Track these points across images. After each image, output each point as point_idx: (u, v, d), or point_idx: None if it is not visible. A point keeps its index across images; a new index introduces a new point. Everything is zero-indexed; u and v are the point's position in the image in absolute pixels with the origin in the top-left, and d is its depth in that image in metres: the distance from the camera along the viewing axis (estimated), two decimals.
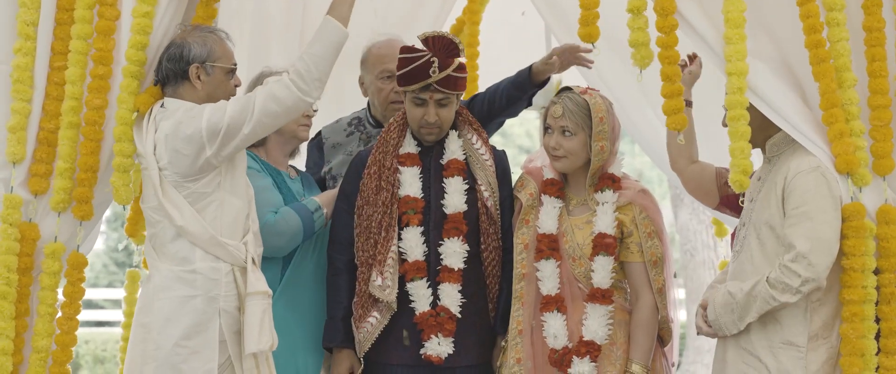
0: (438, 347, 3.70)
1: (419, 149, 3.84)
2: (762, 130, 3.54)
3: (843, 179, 3.44)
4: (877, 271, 3.43)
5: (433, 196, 3.79)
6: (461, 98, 3.91)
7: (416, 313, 3.72)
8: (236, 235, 3.54)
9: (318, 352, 3.86)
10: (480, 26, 5.17)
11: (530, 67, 3.97)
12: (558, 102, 3.72)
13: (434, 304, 3.73)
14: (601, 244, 3.68)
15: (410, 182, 3.78)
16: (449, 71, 3.70)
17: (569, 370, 3.64)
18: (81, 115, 3.62)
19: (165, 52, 3.59)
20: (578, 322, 3.68)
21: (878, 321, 3.43)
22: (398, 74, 3.77)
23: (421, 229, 3.75)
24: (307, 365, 3.84)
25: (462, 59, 3.74)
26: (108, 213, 3.98)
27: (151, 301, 3.51)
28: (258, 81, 3.90)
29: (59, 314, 3.64)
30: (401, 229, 3.76)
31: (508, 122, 4.23)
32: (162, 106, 3.57)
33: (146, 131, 3.55)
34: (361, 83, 4.32)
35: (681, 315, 9.44)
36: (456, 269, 3.73)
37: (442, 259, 3.74)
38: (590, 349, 3.63)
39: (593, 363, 3.63)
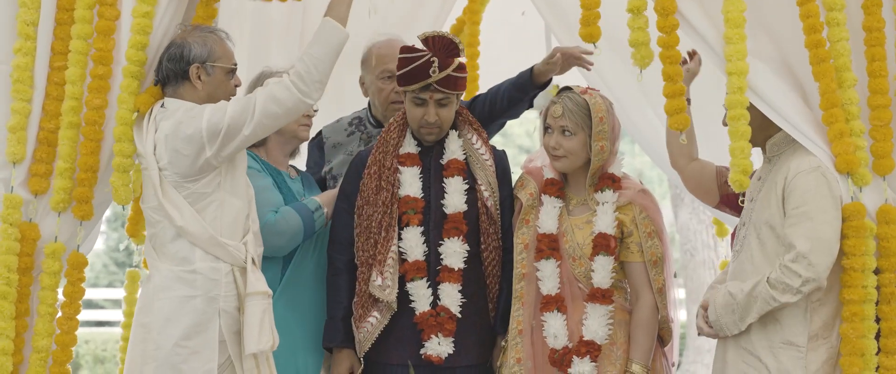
0: (438, 347, 3.70)
1: (419, 149, 3.84)
2: (762, 130, 3.54)
3: (844, 178, 3.44)
4: (877, 271, 3.43)
5: (433, 196, 3.79)
6: (461, 98, 3.91)
7: (417, 313, 3.72)
8: (236, 235, 3.54)
9: (318, 352, 3.86)
10: (480, 26, 5.17)
11: (531, 69, 3.97)
12: (558, 101, 3.72)
13: (434, 304, 3.73)
14: (601, 244, 3.68)
15: (410, 182, 3.78)
16: (449, 71, 3.70)
17: (569, 370, 3.64)
18: (81, 115, 3.61)
19: (166, 52, 3.59)
20: (578, 322, 3.68)
21: (878, 320, 3.43)
22: (398, 73, 3.77)
23: (421, 228, 3.75)
24: (307, 365, 3.84)
25: (462, 59, 3.75)
26: (108, 213, 3.98)
27: (151, 301, 3.51)
28: (258, 81, 3.90)
29: (59, 314, 3.64)
30: (401, 228, 3.76)
31: (508, 122, 4.23)
32: (162, 106, 3.57)
33: (146, 131, 3.55)
34: (362, 83, 4.32)
35: (681, 315, 9.43)
36: (456, 269, 3.73)
37: (442, 259, 3.75)
38: (590, 349, 3.63)
39: (593, 363, 3.63)
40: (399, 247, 3.75)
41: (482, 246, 3.80)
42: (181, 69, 3.55)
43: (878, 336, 3.42)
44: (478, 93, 4.37)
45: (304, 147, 4.23)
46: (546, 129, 3.75)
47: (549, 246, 3.71)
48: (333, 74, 3.56)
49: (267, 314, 3.51)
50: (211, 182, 3.51)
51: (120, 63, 3.64)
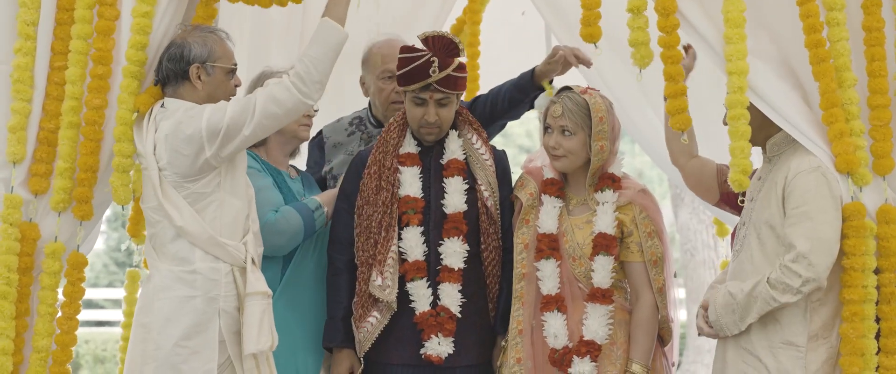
0: (438, 347, 3.70)
1: (419, 149, 3.84)
2: (763, 130, 3.54)
3: (844, 178, 3.44)
4: (877, 271, 3.43)
5: (433, 196, 3.79)
6: (461, 98, 3.91)
7: (416, 313, 3.72)
8: (236, 235, 3.54)
9: (318, 352, 3.86)
10: (480, 26, 5.17)
11: (533, 70, 3.97)
12: (558, 101, 3.72)
13: (434, 304, 3.73)
14: (601, 244, 3.68)
15: (410, 182, 3.78)
16: (449, 71, 3.70)
17: (569, 370, 3.64)
18: (81, 115, 3.61)
19: (166, 52, 3.58)
20: (579, 322, 3.68)
21: (878, 320, 3.43)
22: (398, 73, 3.77)
23: (421, 228, 3.75)
24: (307, 365, 3.84)
25: (462, 59, 3.75)
26: (108, 213, 3.98)
27: (151, 301, 3.51)
28: (258, 81, 3.90)
29: (60, 314, 3.64)
30: (401, 228, 3.76)
31: (508, 122, 4.24)
32: (162, 106, 3.57)
33: (146, 131, 3.55)
34: (362, 83, 4.32)
35: (681, 315, 9.44)
36: (456, 269, 3.73)
37: (442, 259, 3.75)
38: (590, 349, 3.63)
39: (593, 363, 3.63)
40: (399, 247, 3.75)
41: (482, 246, 3.80)
42: (181, 69, 3.55)
43: (878, 336, 3.42)
44: (479, 93, 4.37)
45: (304, 147, 4.23)
46: (546, 128, 3.75)
47: (549, 246, 3.71)
48: (333, 73, 3.56)
49: (266, 315, 3.51)
50: (210, 182, 3.51)
51: (120, 63, 3.64)
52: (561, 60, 3.92)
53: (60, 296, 3.65)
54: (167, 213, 3.49)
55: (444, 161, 3.82)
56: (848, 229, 3.38)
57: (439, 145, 3.85)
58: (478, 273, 3.80)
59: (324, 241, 3.90)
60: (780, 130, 3.52)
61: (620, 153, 3.84)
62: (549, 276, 3.70)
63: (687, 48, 3.91)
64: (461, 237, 3.74)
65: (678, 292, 5.17)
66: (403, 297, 3.74)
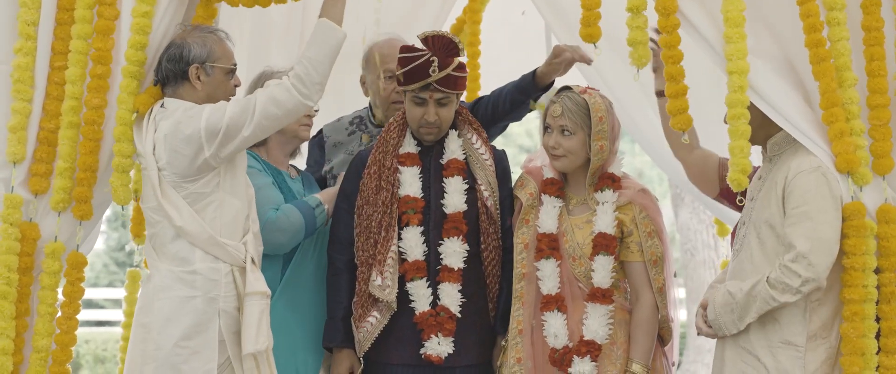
0: (438, 346, 3.70)
1: (419, 149, 3.84)
2: (763, 129, 3.54)
3: (844, 178, 3.44)
4: (877, 271, 3.43)
5: (433, 196, 3.79)
6: (461, 98, 3.91)
7: (416, 312, 3.72)
8: (235, 235, 3.54)
9: (318, 352, 3.86)
10: (481, 26, 5.17)
11: (534, 72, 3.97)
12: (557, 101, 3.72)
13: (434, 304, 3.73)
14: (601, 244, 3.68)
15: (410, 182, 3.79)
16: (449, 70, 3.71)
17: (569, 370, 3.64)
18: (81, 115, 3.62)
19: (165, 52, 3.59)
20: (579, 322, 3.68)
21: (878, 320, 3.43)
22: (398, 73, 3.77)
23: (421, 228, 3.75)
24: (307, 365, 3.84)
25: (462, 59, 3.75)
26: (108, 213, 3.98)
27: (151, 301, 3.52)
28: (259, 81, 3.90)
29: (59, 314, 3.64)
30: (401, 228, 3.76)
31: None
32: (162, 106, 3.57)
33: (146, 131, 3.55)
34: (363, 83, 4.32)
35: (681, 315, 9.44)
36: (456, 269, 3.73)
37: (442, 259, 3.75)
38: (590, 349, 3.63)
39: (594, 363, 3.63)
40: (399, 247, 3.75)
41: (482, 246, 3.80)
42: (181, 69, 3.55)
43: (878, 336, 3.42)
44: (481, 95, 4.37)
45: (304, 147, 4.23)
46: (545, 128, 3.75)
47: (549, 246, 3.71)
48: (333, 73, 3.56)
49: (264, 315, 3.51)
50: (210, 182, 3.51)
51: (120, 63, 3.64)
52: (565, 61, 3.90)
53: (60, 296, 3.65)
54: (167, 213, 3.49)
55: (443, 161, 3.82)
56: (848, 229, 3.38)
57: (439, 145, 3.85)
58: (478, 273, 3.80)
59: (324, 241, 3.90)
60: (781, 129, 3.52)
61: (620, 153, 3.84)
62: (549, 276, 3.70)
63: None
64: (461, 237, 3.74)
65: (678, 292, 5.17)
66: (403, 297, 3.74)
